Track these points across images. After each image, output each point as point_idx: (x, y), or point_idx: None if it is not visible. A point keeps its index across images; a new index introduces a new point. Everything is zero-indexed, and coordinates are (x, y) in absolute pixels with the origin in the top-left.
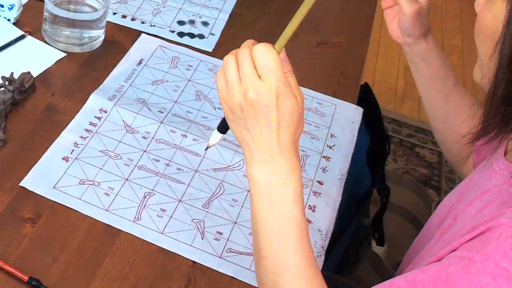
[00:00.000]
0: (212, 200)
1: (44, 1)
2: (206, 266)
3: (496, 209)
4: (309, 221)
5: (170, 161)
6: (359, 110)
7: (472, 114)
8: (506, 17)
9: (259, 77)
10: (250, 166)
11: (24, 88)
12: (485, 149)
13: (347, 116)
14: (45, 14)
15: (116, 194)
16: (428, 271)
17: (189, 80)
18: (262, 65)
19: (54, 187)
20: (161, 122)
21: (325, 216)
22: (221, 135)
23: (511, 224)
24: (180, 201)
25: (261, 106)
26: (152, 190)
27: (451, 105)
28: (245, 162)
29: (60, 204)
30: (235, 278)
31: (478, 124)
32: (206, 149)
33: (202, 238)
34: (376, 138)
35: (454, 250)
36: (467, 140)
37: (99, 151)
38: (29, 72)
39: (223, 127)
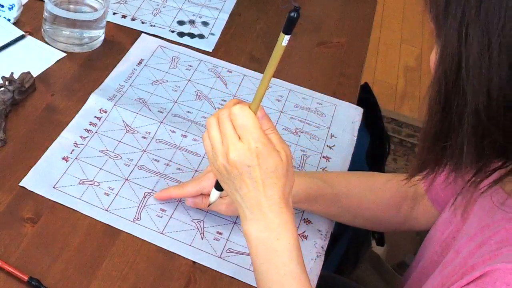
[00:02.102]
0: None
1: (44, 1)
2: (206, 266)
3: (494, 248)
4: (309, 221)
5: (170, 161)
6: (359, 110)
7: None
8: (436, 61)
9: (239, 137)
10: (244, 224)
11: (24, 88)
12: (450, 189)
13: (347, 116)
14: (45, 14)
15: (116, 194)
16: None
17: (189, 80)
18: (239, 126)
19: (54, 187)
20: (161, 122)
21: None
22: (219, 192)
23: (506, 269)
24: (180, 201)
25: (243, 166)
26: (152, 190)
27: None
28: (241, 219)
29: (60, 204)
30: (235, 278)
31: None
32: (209, 205)
33: (202, 238)
34: (376, 138)
35: None
36: (405, 181)
37: (99, 151)
38: (29, 72)
39: (219, 185)
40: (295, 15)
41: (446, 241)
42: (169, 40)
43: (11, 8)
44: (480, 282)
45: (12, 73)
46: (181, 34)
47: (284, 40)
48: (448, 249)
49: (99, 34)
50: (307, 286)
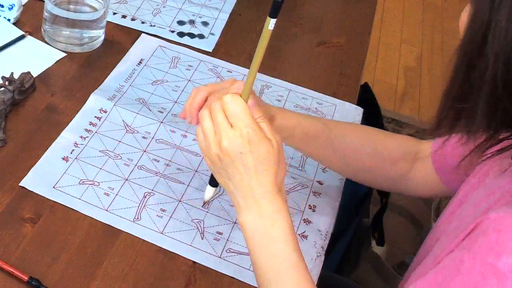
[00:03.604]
0: (212, 200)
1: (44, 1)
2: (206, 266)
3: (492, 204)
4: (309, 221)
5: (170, 161)
6: (359, 110)
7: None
8: (467, 22)
9: (231, 126)
10: (239, 214)
11: (24, 88)
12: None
13: (347, 116)
14: (45, 14)
15: (116, 194)
16: (426, 279)
17: (189, 80)
18: (231, 114)
19: (54, 187)
20: (161, 122)
21: (325, 216)
22: (213, 188)
23: (498, 217)
24: (180, 201)
25: (236, 154)
26: (152, 190)
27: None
28: (236, 210)
29: (60, 204)
30: (235, 278)
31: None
32: (203, 205)
33: (202, 238)
34: None
35: (451, 252)
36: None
37: (99, 151)
38: (29, 72)
39: (214, 180)
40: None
41: (452, 209)
42: (169, 40)
43: (11, 8)
44: (473, 233)
45: (12, 73)
46: (181, 34)
47: (270, 23)
48: (453, 218)
49: (99, 34)
50: (304, 272)
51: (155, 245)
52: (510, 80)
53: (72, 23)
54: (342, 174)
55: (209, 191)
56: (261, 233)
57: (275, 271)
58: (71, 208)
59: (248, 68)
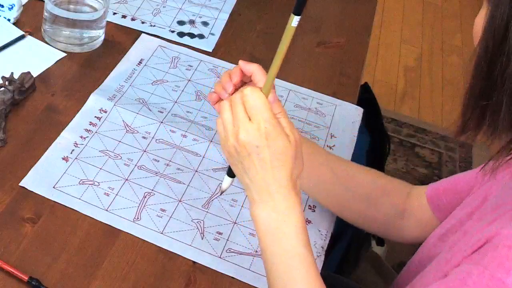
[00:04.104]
0: (212, 200)
1: (44, 1)
2: (206, 266)
3: (506, 222)
4: (309, 221)
5: (170, 161)
6: (359, 110)
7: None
8: (485, 20)
9: (250, 119)
10: (252, 207)
11: (24, 88)
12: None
13: (347, 116)
14: (45, 14)
15: (116, 194)
16: None
17: (189, 80)
18: (250, 107)
19: (54, 187)
20: (161, 122)
21: (325, 216)
22: (231, 179)
23: (509, 234)
24: (180, 201)
25: (252, 147)
26: (152, 190)
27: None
28: (250, 203)
29: (60, 204)
30: (235, 278)
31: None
32: (221, 194)
33: (202, 238)
34: (376, 138)
35: (458, 266)
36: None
37: (99, 151)
38: (29, 72)
39: (231, 171)
40: None
41: (454, 220)
42: (169, 40)
43: (11, 8)
44: (483, 248)
45: (12, 73)
46: (181, 34)
47: (294, 20)
48: (456, 230)
49: (99, 34)
50: (313, 269)
51: (155, 245)
52: None
53: (72, 23)
54: (337, 204)
55: (227, 181)
56: (273, 228)
57: (285, 266)
58: (71, 208)
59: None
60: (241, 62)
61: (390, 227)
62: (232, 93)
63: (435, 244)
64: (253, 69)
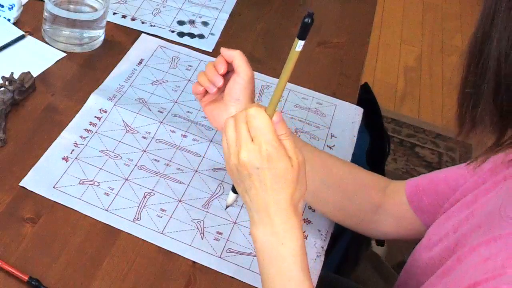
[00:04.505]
0: (212, 200)
1: (44, 1)
2: (206, 266)
3: (499, 265)
4: (309, 221)
5: (170, 161)
6: (359, 110)
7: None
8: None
9: (252, 139)
10: (252, 227)
11: (24, 88)
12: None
13: (347, 116)
14: (45, 14)
15: (116, 194)
16: None
17: (189, 80)
18: (253, 127)
19: (54, 187)
20: (161, 122)
21: (325, 216)
22: (235, 195)
23: None
24: (180, 201)
25: (253, 168)
26: (152, 190)
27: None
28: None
29: (60, 204)
30: (235, 278)
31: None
32: (226, 208)
33: (202, 238)
34: (376, 138)
35: None
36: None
37: (99, 151)
38: (29, 72)
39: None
40: (309, 21)
41: (443, 244)
42: (169, 40)
43: (11, 8)
44: None
45: (12, 73)
46: (181, 34)
47: (298, 45)
48: (449, 254)
49: (99, 34)
50: None
51: (155, 245)
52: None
53: (72, 23)
54: (314, 196)
55: (231, 197)
56: (271, 249)
57: (281, 286)
58: (71, 208)
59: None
60: (223, 49)
61: (365, 221)
62: (222, 85)
63: (426, 262)
64: (234, 54)
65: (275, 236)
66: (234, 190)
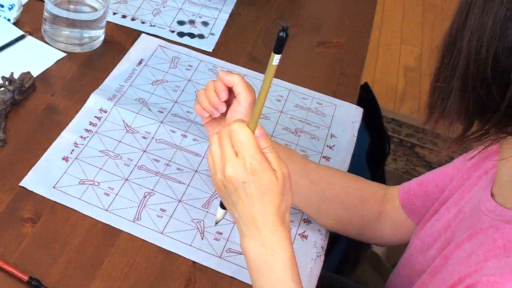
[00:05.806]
0: (212, 200)
1: (44, 1)
2: (206, 266)
3: (482, 258)
4: (309, 221)
5: (170, 161)
6: (359, 110)
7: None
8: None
9: (236, 154)
10: (242, 240)
11: (24, 88)
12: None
13: (347, 116)
14: (45, 14)
15: (116, 194)
16: None
17: (189, 80)
18: (236, 142)
19: (54, 187)
20: (161, 122)
21: None
22: (224, 210)
23: (488, 282)
24: (180, 201)
25: (239, 182)
26: (152, 190)
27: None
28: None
29: (60, 204)
30: (235, 278)
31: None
32: (215, 224)
33: (202, 238)
34: (376, 138)
35: None
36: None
37: (99, 151)
38: (29, 72)
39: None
40: (284, 35)
41: (437, 245)
42: (169, 40)
43: (11, 8)
44: None
45: (12, 73)
46: (181, 34)
47: (275, 59)
48: (439, 255)
49: (99, 34)
50: None
51: (155, 245)
52: (480, 61)
53: (72, 23)
54: (314, 210)
55: (220, 213)
56: (261, 261)
57: None
58: (71, 208)
59: (248, 68)
60: (222, 74)
61: (367, 230)
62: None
63: (422, 264)
64: (234, 80)
65: (265, 248)
66: (222, 206)
